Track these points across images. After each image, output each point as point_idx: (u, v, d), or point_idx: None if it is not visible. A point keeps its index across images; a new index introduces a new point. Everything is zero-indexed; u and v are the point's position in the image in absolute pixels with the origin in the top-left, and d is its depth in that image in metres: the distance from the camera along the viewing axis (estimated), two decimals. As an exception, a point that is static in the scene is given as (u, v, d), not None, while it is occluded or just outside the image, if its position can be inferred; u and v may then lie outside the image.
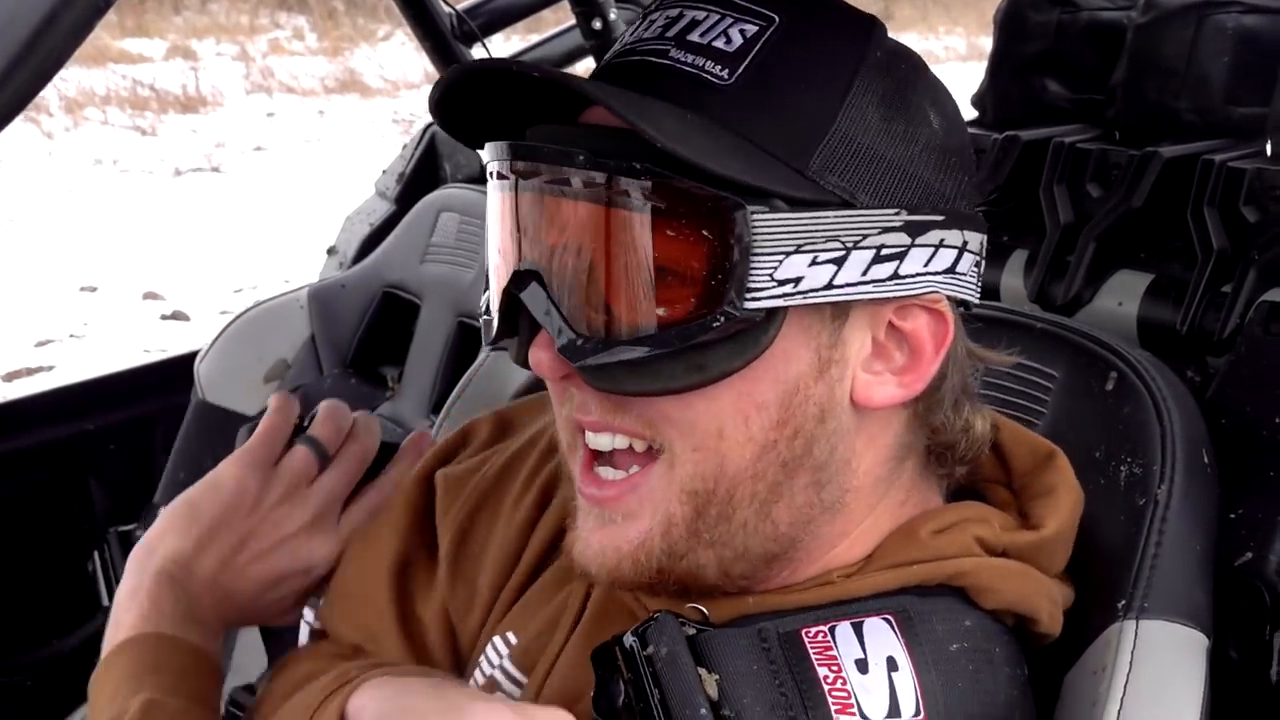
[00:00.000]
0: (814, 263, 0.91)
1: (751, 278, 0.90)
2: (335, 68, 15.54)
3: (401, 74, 14.61)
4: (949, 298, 0.99)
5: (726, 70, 0.94)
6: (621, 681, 0.93)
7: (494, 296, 1.03)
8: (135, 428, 2.43)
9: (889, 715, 0.92)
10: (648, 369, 0.93)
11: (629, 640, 0.93)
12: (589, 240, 0.95)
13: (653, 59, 0.96)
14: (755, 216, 0.89)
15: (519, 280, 0.98)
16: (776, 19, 0.96)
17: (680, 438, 0.96)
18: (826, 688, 0.92)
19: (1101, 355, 1.30)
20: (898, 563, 1.02)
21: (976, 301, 1.03)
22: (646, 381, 0.94)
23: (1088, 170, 1.57)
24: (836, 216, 0.92)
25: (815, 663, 0.94)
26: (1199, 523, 1.20)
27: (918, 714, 0.93)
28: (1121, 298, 1.52)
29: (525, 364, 1.00)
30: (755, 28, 0.96)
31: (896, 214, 0.94)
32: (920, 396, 1.01)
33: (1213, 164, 1.46)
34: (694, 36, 0.96)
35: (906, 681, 0.94)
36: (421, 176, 2.51)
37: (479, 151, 1.06)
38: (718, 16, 0.96)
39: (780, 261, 0.90)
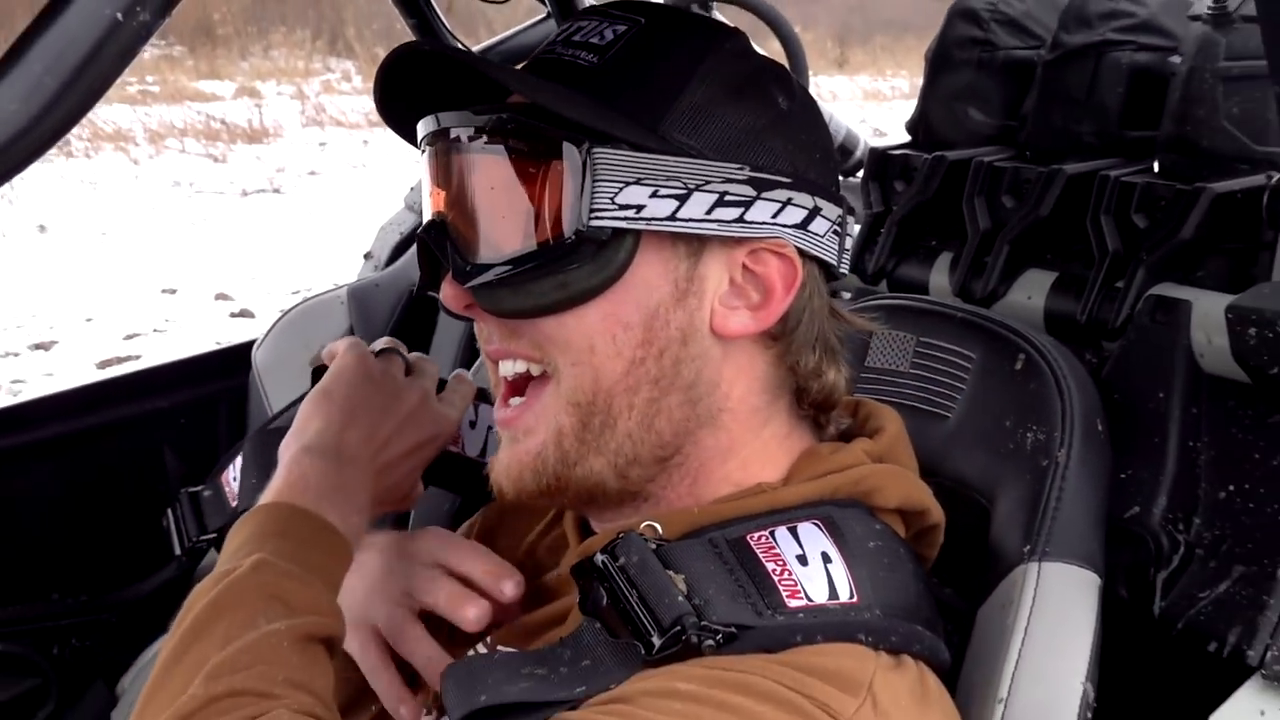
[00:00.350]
0: (655, 195, 0.95)
1: (595, 201, 0.94)
2: (378, 105, 15.51)
3: (434, 110, 14.61)
4: (802, 251, 1.01)
5: (596, 57, 0.99)
6: (601, 588, 0.93)
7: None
8: (202, 405, 2.42)
9: (830, 597, 0.92)
10: (522, 289, 0.97)
11: (599, 558, 0.94)
12: (472, 184, 1.00)
13: (548, 56, 1.02)
14: (597, 150, 0.94)
15: (430, 228, 1.03)
16: (642, 20, 1.02)
17: (560, 355, 0.99)
18: (776, 579, 0.93)
19: (1012, 340, 1.30)
20: (814, 475, 1.03)
21: (843, 271, 1.07)
22: (522, 300, 0.97)
23: (1003, 185, 1.57)
24: (678, 161, 0.96)
25: (763, 560, 0.94)
26: (1093, 480, 1.20)
27: (852, 597, 0.93)
28: (1030, 292, 1.52)
29: (443, 304, 1.03)
30: (624, 27, 1.01)
31: (740, 169, 0.97)
32: (779, 336, 1.03)
33: (1108, 179, 1.46)
34: (576, 37, 1.02)
35: (840, 571, 0.95)
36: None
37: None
38: (597, 23, 1.02)
39: (620, 188, 0.94)
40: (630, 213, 0.95)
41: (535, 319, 0.98)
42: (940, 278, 1.61)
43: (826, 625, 0.90)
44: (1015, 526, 1.19)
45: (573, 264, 0.96)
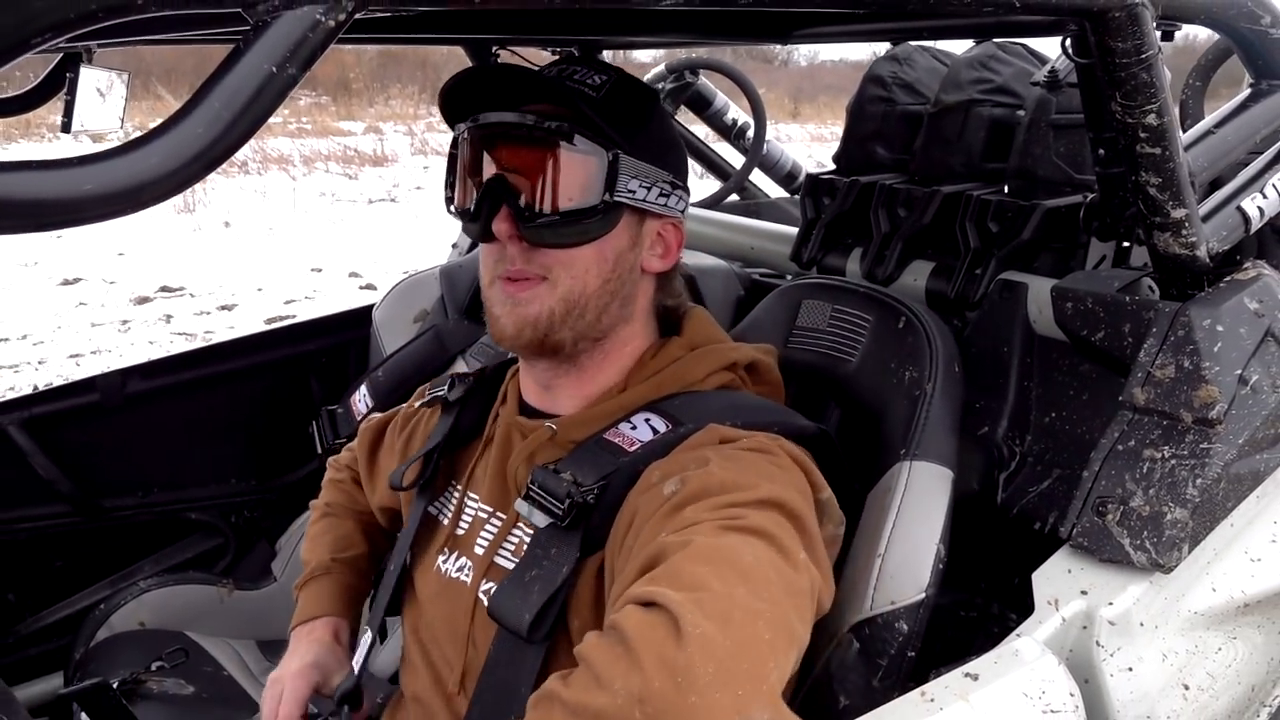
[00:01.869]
0: (639, 185, 1.10)
1: (616, 185, 1.08)
2: (466, 140, 15.40)
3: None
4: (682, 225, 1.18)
5: (595, 93, 1.10)
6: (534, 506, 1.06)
7: (470, 195, 1.11)
8: (338, 349, 2.43)
9: (653, 434, 1.07)
10: (558, 230, 1.07)
11: (530, 489, 1.06)
12: (531, 159, 1.08)
13: (561, 82, 1.10)
14: (621, 156, 1.08)
15: (494, 182, 1.08)
16: (614, 75, 1.13)
17: (564, 271, 1.09)
18: (619, 443, 1.06)
19: (897, 307, 1.31)
20: (643, 379, 1.15)
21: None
22: (557, 236, 1.08)
23: (898, 200, 1.57)
24: (646, 166, 1.11)
25: (612, 440, 1.07)
26: (951, 405, 1.21)
27: (668, 427, 1.07)
28: (916, 276, 1.53)
29: (484, 236, 1.10)
30: (605, 76, 1.12)
31: (667, 174, 1.13)
32: (667, 274, 1.17)
33: (972, 197, 1.46)
34: (576, 75, 1.12)
35: (658, 421, 1.08)
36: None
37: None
38: (584, 69, 1.13)
39: (626, 180, 1.08)
40: (628, 195, 1.09)
41: (557, 249, 1.07)
42: (854, 265, 1.61)
43: (652, 443, 1.05)
44: (896, 436, 1.20)
45: (593, 220, 1.07)
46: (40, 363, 5.62)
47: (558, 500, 1.03)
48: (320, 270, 7.84)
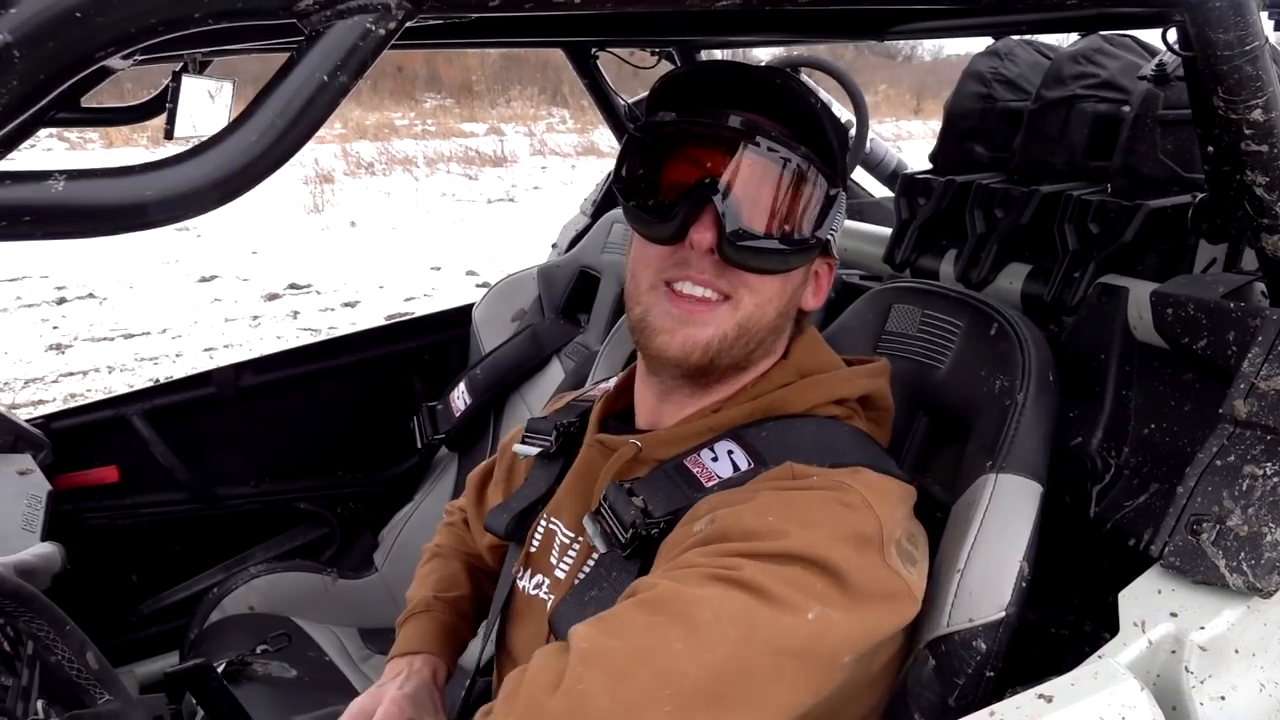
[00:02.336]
0: (839, 219, 1.06)
1: (831, 222, 1.04)
2: (583, 140, 15.59)
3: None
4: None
5: (819, 117, 1.02)
6: (601, 526, 1.06)
7: (669, 191, 1.03)
8: (439, 346, 2.48)
9: (734, 471, 1.02)
10: (762, 255, 1.01)
11: (600, 507, 1.06)
12: (752, 172, 1.00)
13: (785, 98, 1.02)
14: (838, 193, 1.04)
15: (704, 187, 0.99)
16: (820, 101, 1.10)
17: (750, 295, 1.03)
18: (697, 473, 1.03)
19: (989, 313, 1.26)
20: (739, 402, 1.09)
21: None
22: (759, 261, 1.01)
23: (995, 200, 1.51)
24: (840, 201, 1.05)
25: (691, 469, 1.03)
26: (1043, 416, 1.16)
27: (750, 465, 1.02)
28: (1012, 279, 1.47)
29: (672, 239, 1.01)
30: (814, 99, 1.03)
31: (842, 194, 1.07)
32: (810, 313, 1.13)
33: (1072, 197, 1.40)
34: (800, 92, 1.02)
35: (741, 456, 1.03)
36: (606, 202, 2.51)
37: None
38: (800, 86, 1.02)
39: (836, 216, 1.05)
40: (831, 233, 1.05)
41: (753, 274, 1.02)
42: (947, 267, 1.56)
43: (729, 480, 1.01)
44: (984, 447, 1.16)
45: (801, 253, 1.03)
46: (177, 355, 5.91)
47: (623, 528, 1.02)
48: (439, 269, 8.03)
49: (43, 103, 0.62)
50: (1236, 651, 0.95)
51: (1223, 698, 0.93)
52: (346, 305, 7.03)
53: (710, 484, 1.02)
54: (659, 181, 1.03)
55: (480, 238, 9.14)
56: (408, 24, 0.68)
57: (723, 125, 1.00)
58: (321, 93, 0.65)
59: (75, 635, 1.17)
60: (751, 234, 1.00)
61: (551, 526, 1.18)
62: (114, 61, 1.59)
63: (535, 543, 1.20)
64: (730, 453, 1.04)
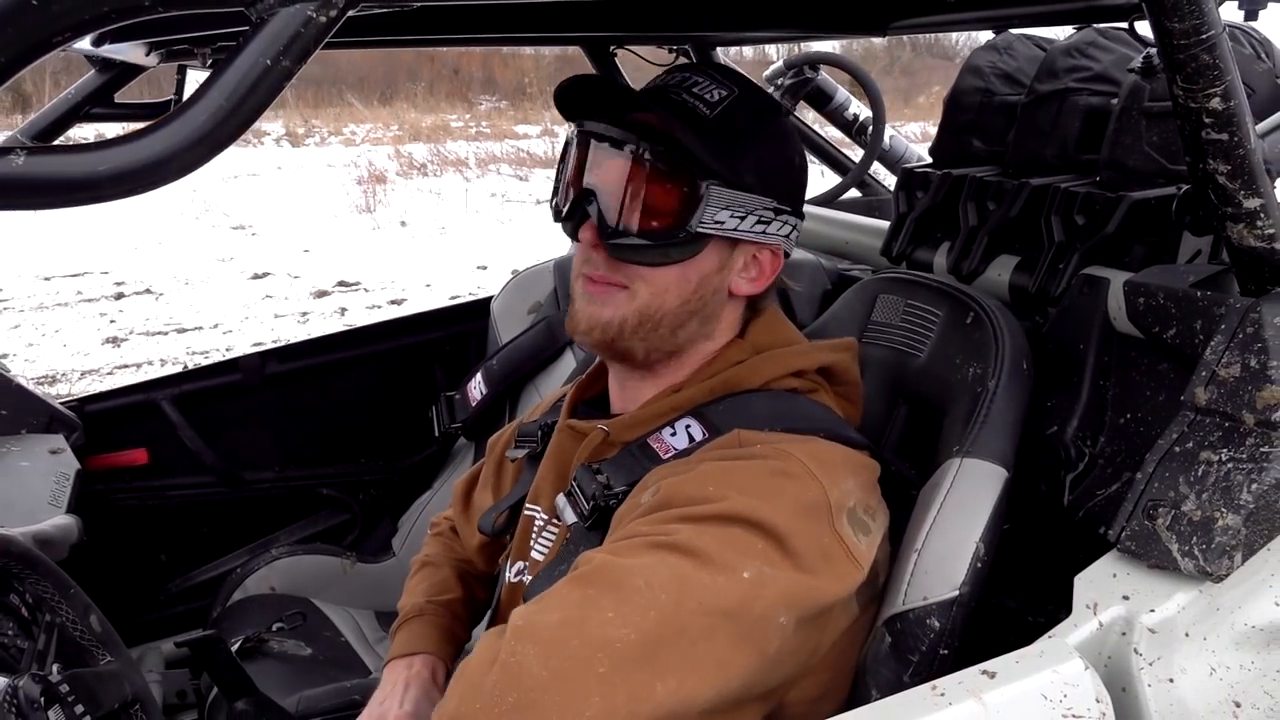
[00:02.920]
0: (730, 215, 1.08)
1: (703, 216, 1.06)
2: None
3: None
4: (785, 250, 1.15)
5: (709, 110, 1.08)
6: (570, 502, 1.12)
7: (566, 200, 1.13)
8: (460, 338, 2.53)
9: (689, 441, 1.07)
10: (640, 250, 1.08)
11: (571, 486, 1.12)
12: (622, 175, 1.07)
13: (675, 97, 1.08)
14: (712, 186, 1.06)
15: (585, 193, 1.10)
16: (736, 90, 1.10)
17: (644, 285, 1.09)
18: (656, 449, 1.07)
19: (967, 302, 1.28)
20: (699, 380, 1.13)
21: (792, 253, 1.18)
22: (638, 255, 1.08)
23: (988, 193, 1.52)
24: (743, 195, 1.08)
25: (652, 445, 1.08)
26: (1014, 404, 1.17)
27: (705, 435, 1.07)
28: (1001, 271, 1.48)
29: (570, 234, 1.12)
30: (726, 92, 1.09)
31: (770, 201, 1.10)
32: (758, 296, 1.15)
33: (1059, 189, 1.40)
34: (695, 89, 1.09)
35: (697, 429, 1.08)
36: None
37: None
38: (707, 82, 1.10)
39: (716, 211, 1.07)
40: (716, 225, 1.07)
41: (638, 266, 1.08)
42: (940, 259, 1.57)
43: (683, 451, 1.06)
44: (954, 433, 1.18)
45: (674, 246, 1.07)
46: (227, 349, 6.06)
47: (585, 500, 1.07)
48: (485, 268, 8.13)
49: (12, 78, 0.68)
50: (1187, 635, 0.96)
51: (1171, 680, 0.94)
52: (393, 303, 7.15)
53: (667, 456, 1.06)
54: (565, 187, 1.15)
55: (527, 238, 9.22)
56: (350, 13, 0.72)
57: (593, 132, 1.10)
58: (266, 77, 0.69)
59: (79, 598, 1.23)
60: (623, 232, 1.07)
61: (529, 513, 1.23)
62: (146, 60, 1.66)
63: (518, 533, 1.24)
64: (688, 427, 1.08)
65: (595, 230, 1.08)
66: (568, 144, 1.14)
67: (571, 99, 1.13)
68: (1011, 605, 1.28)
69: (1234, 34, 1.37)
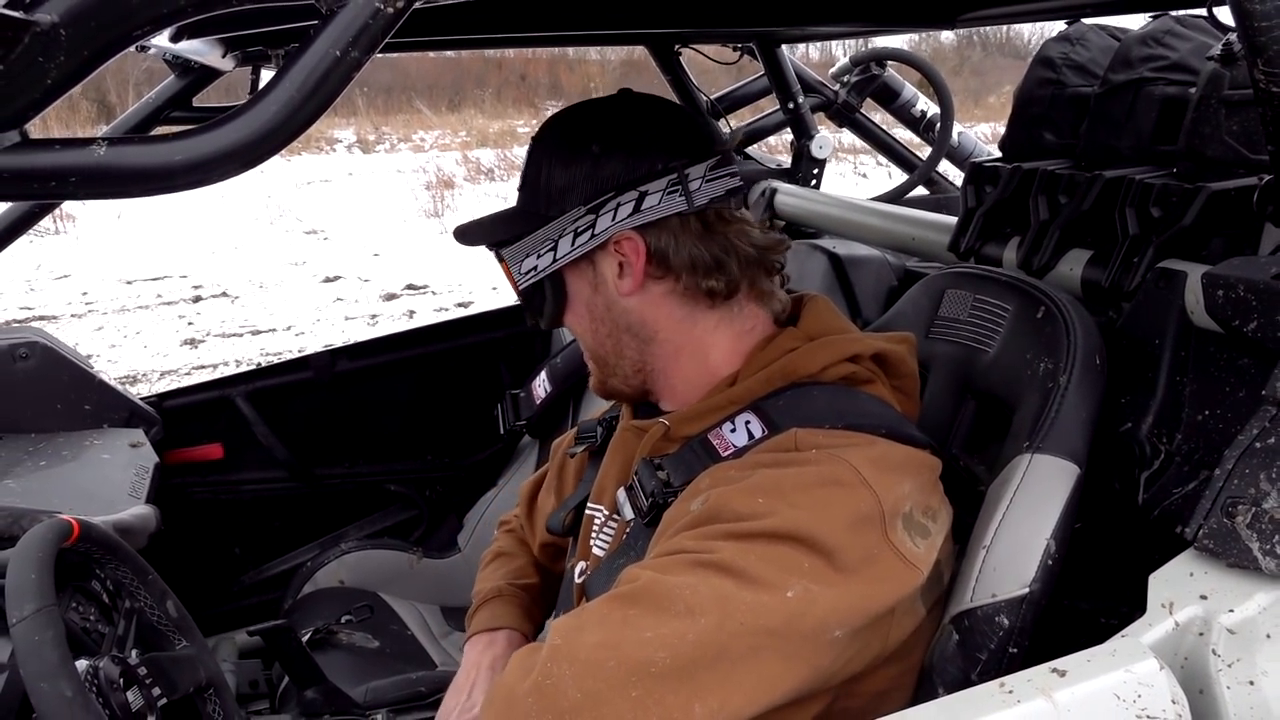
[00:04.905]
0: (539, 255, 1.11)
1: (518, 273, 1.13)
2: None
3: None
4: (639, 227, 1.07)
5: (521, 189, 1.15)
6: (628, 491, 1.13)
7: None
8: (525, 337, 2.56)
9: (748, 438, 1.04)
10: (541, 317, 1.16)
11: (632, 480, 1.12)
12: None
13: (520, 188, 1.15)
14: (504, 250, 1.14)
15: None
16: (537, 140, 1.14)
17: (577, 337, 1.18)
18: (716, 445, 1.06)
19: (1038, 296, 1.25)
20: (755, 370, 1.10)
21: (694, 206, 1.08)
22: (546, 320, 1.16)
23: (1059, 187, 1.49)
24: (547, 228, 1.10)
25: (712, 441, 1.07)
26: (1086, 399, 1.14)
27: (765, 432, 1.04)
28: (1073, 265, 1.44)
29: None
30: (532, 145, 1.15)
31: (579, 209, 1.08)
32: (661, 275, 1.10)
33: (1134, 181, 1.37)
34: (527, 173, 1.14)
35: (757, 426, 1.05)
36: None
37: None
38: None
39: (521, 261, 1.12)
40: (533, 272, 1.12)
41: (556, 326, 1.17)
42: (1010, 254, 1.54)
43: (742, 449, 1.04)
44: (1024, 428, 1.15)
45: (536, 305, 1.15)
46: (300, 351, 6.19)
47: (645, 495, 1.07)
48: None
49: (88, 76, 0.70)
50: (1268, 636, 0.92)
51: (1251, 682, 0.91)
52: (460, 305, 7.24)
53: (726, 453, 1.04)
54: None
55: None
56: (416, 5, 0.73)
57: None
58: (336, 68, 0.70)
59: (157, 584, 1.26)
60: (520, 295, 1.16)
61: (591, 512, 1.23)
62: (222, 63, 1.71)
63: (582, 533, 1.24)
64: (748, 423, 1.06)
65: None
66: None
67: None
68: (1084, 607, 1.25)
69: None
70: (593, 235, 1.08)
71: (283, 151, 0.78)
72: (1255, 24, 0.92)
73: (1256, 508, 0.96)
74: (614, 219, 1.07)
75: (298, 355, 2.54)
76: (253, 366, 5.86)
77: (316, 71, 0.71)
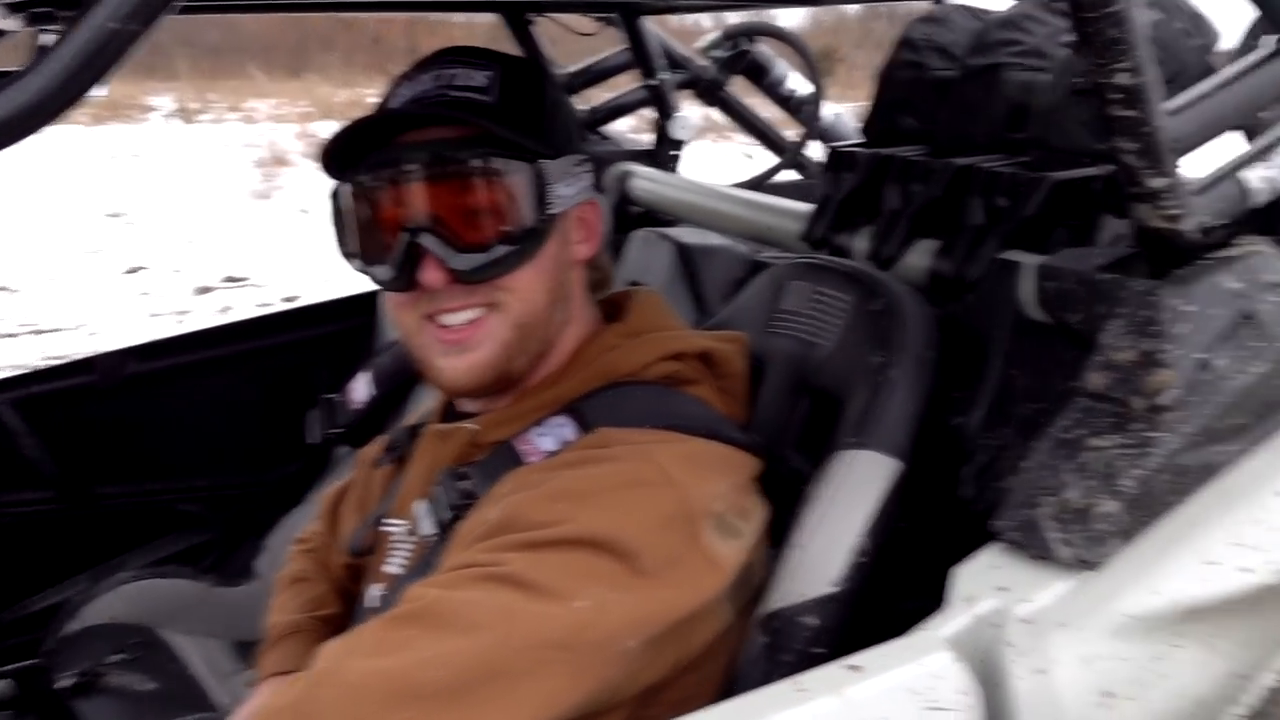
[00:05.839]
0: (565, 186, 1.19)
1: (548, 197, 1.16)
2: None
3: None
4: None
5: (488, 97, 1.17)
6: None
7: (387, 252, 1.15)
8: (346, 335, 2.60)
9: (558, 444, 1.14)
10: (503, 263, 1.15)
11: (433, 490, 1.20)
12: (449, 197, 1.13)
13: (443, 97, 1.16)
14: (543, 164, 1.16)
15: (415, 231, 1.12)
16: (495, 63, 1.20)
17: (512, 295, 1.16)
18: (525, 451, 1.15)
19: (875, 288, 1.39)
20: (578, 369, 1.23)
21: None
22: (502, 269, 1.15)
23: (914, 175, 1.64)
24: (565, 161, 1.20)
25: (518, 449, 1.16)
26: (914, 394, 1.28)
27: (574, 434, 1.15)
28: (921, 256, 1.58)
29: (404, 287, 1.16)
30: (490, 71, 1.18)
31: (579, 155, 1.23)
32: (595, 256, 1.25)
33: (981, 170, 1.52)
34: (457, 81, 1.17)
35: (567, 429, 1.15)
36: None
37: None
38: (460, 69, 1.18)
39: (554, 188, 1.17)
40: (563, 202, 1.18)
41: (500, 278, 1.15)
42: (861, 244, 1.67)
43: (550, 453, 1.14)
44: (850, 424, 1.29)
45: (533, 240, 1.15)
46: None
47: (446, 509, 1.16)
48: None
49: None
50: (1061, 625, 1.08)
51: (1043, 671, 1.06)
52: (285, 300, 7.17)
53: (530, 459, 1.15)
54: (373, 239, 1.17)
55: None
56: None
57: (394, 167, 1.13)
58: (112, 41, 0.78)
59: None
60: (476, 249, 1.13)
61: (388, 528, 1.31)
62: (5, 23, 1.74)
63: (376, 552, 1.32)
64: (560, 426, 1.17)
65: (442, 266, 1.12)
66: (354, 200, 1.17)
67: (345, 151, 1.17)
68: (909, 606, 1.39)
69: (1165, 8, 1.51)
70: (584, 189, 1.23)
71: (86, 120, 0.86)
72: (1082, 15, 1.08)
73: (1059, 498, 1.12)
74: (590, 181, 1.24)
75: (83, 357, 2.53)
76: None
77: (92, 43, 0.77)
